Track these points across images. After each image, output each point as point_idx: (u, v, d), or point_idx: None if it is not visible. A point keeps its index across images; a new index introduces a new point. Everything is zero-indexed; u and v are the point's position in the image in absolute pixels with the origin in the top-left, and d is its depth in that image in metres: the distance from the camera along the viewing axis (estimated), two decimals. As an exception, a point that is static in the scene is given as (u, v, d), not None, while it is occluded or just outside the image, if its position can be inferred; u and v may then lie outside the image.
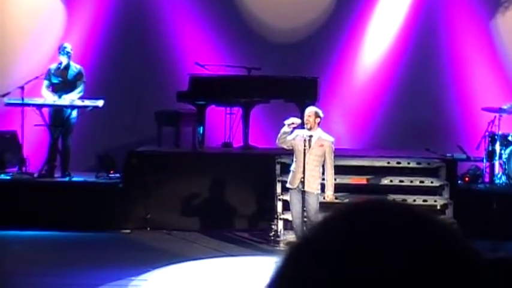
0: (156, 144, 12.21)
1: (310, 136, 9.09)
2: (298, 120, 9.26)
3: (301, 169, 9.01)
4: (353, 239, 0.96)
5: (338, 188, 9.71)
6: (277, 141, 9.31)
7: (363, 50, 13.76)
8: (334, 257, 0.95)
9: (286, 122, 9.21)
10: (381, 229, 0.97)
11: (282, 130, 9.20)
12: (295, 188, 9.16)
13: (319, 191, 9.16)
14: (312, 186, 9.06)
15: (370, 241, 0.96)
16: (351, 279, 0.94)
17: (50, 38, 13.09)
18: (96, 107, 11.44)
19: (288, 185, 9.36)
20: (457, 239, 0.99)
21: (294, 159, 9.25)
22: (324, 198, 9.19)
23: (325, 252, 0.96)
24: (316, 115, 9.17)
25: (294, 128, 9.24)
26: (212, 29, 13.56)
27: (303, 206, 9.05)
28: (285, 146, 9.32)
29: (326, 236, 0.99)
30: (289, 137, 9.19)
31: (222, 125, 12.76)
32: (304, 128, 9.18)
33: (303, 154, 9.01)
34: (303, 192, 9.04)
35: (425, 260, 0.95)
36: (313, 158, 9.09)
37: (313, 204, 9.06)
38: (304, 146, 9.02)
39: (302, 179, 9.02)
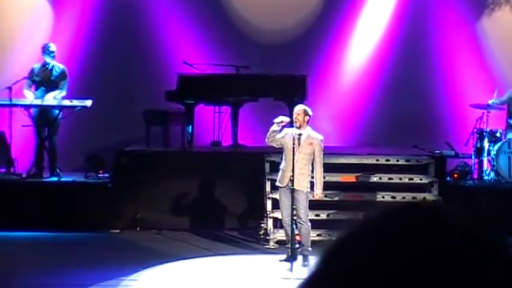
0: (144, 144, 12.18)
1: (300, 134, 9.08)
2: (287, 119, 9.26)
3: (291, 167, 9.01)
4: (390, 242, 0.96)
5: (327, 186, 9.72)
6: (266, 139, 9.30)
7: (351, 48, 13.78)
8: (371, 260, 0.95)
9: (276, 120, 9.20)
10: (416, 233, 0.97)
11: (271, 128, 9.19)
12: (284, 186, 9.16)
13: (309, 189, 9.16)
14: (302, 184, 9.06)
15: (406, 244, 0.95)
16: (389, 283, 0.94)
17: (37, 38, 13.02)
18: (84, 107, 11.39)
19: (277, 184, 9.35)
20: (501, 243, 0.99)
21: (283, 158, 9.25)
22: (313, 196, 9.20)
23: (361, 254, 0.96)
24: (305, 113, 9.17)
25: (283, 127, 9.24)
26: (200, 28, 13.54)
27: (293, 204, 9.04)
28: (274, 145, 9.32)
29: (363, 239, 0.99)
30: (279, 136, 9.18)
31: (211, 124, 12.75)
32: (293, 126, 9.18)
33: (292, 152, 9.00)
34: (293, 191, 9.03)
35: (465, 264, 0.94)
36: (303, 156, 9.09)
37: (302, 202, 9.06)
38: (294, 144, 9.01)
39: (291, 177, 9.02)
